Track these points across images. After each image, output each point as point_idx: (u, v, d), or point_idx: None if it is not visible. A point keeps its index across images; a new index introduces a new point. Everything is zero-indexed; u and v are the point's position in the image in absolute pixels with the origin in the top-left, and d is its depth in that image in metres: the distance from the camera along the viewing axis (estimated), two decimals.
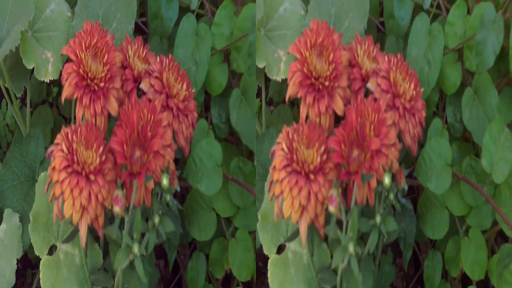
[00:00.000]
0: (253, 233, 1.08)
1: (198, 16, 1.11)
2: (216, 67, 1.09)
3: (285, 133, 0.90)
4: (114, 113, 0.99)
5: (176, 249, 1.12)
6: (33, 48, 1.06)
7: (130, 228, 0.94)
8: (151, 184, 0.96)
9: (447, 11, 1.11)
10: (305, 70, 0.92)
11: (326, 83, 0.93)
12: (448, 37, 1.09)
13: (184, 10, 1.10)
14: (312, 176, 0.89)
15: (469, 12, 1.10)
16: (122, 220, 0.96)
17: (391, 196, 0.91)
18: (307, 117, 0.94)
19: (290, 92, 0.93)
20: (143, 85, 1.00)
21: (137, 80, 1.02)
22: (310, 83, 0.93)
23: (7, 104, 1.35)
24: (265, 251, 0.95)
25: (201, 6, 1.13)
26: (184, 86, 1.01)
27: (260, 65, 0.98)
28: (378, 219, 0.90)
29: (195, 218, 1.09)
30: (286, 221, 0.97)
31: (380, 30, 1.15)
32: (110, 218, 1.00)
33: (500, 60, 1.11)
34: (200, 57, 1.08)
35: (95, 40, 0.99)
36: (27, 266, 1.29)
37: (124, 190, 0.95)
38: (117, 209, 0.93)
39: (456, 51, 1.10)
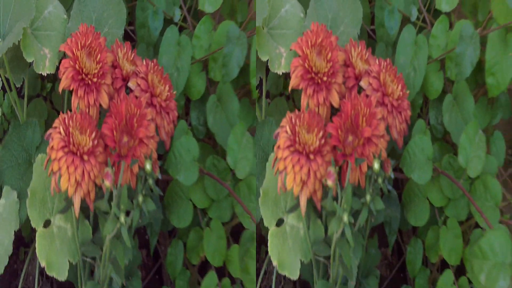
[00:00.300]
0: (226, 224, 1.29)
1: (181, 28, 1.33)
2: (195, 74, 1.30)
3: (288, 118, 1.09)
4: (105, 105, 1.18)
5: (157, 234, 1.32)
6: (32, 44, 1.23)
7: (118, 201, 1.13)
8: (136, 168, 1.16)
9: (432, 25, 1.31)
10: (306, 65, 1.12)
11: (325, 78, 1.13)
12: (432, 48, 1.30)
13: (168, 22, 1.32)
14: (312, 156, 1.08)
15: (451, 27, 1.30)
16: (111, 195, 1.15)
17: (380, 180, 1.10)
18: (307, 106, 1.12)
19: (292, 83, 1.13)
20: (131, 84, 1.21)
21: (125, 79, 1.22)
22: (310, 77, 1.13)
23: (4, 95, 1.51)
24: (266, 224, 1.13)
25: (184, 19, 1.34)
26: (167, 88, 1.22)
27: (263, 58, 1.18)
28: (368, 197, 1.09)
29: (174, 207, 1.29)
30: (285, 198, 1.15)
31: (371, 37, 1.35)
32: (99, 197, 1.19)
33: (478, 72, 1.32)
34: (181, 65, 1.28)
35: (89, 41, 1.19)
36: (20, 244, 1.43)
37: (114, 168, 1.14)
38: (107, 183, 1.12)
39: (439, 61, 1.31)
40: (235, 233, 1.28)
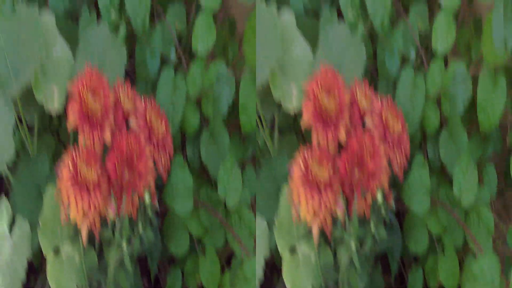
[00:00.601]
0: (220, 251, 1.53)
1: (177, 65, 1.59)
2: (190, 111, 1.55)
3: (301, 152, 1.31)
4: (108, 141, 1.42)
5: (156, 260, 1.55)
6: (41, 82, 1.46)
7: (120, 230, 1.37)
8: (136, 199, 1.40)
9: (429, 63, 1.53)
10: (316, 105, 1.33)
11: (333, 117, 1.34)
12: (429, 85, 1.52)
13: (165, 60, 1.59)
14: (322, 189, 1.29)
15: (447, 65, 1.52)
16: (114, 224, 1.39)
17: (383, 210, 1.31)
18: (317, 142, 1.34)
19: (304, 122, 1.35)
20: (131, 121, 1.46)
21: (125, 116, 1.48)
22: (320, 115, 1.34)
23: (13, 129, 1.70)
24: (280, 252, 1.35)
25: (179, 58, 1.59)
26: (163, 124, 1.47)
27: (276, 95, 1.39)
28: (372, 226, 1.30)
29: (172, 235, 1.54)
30: (298, 227, 1.36)
31: (374, 71, 1.57)
32: (104, 226, 1.42)
33: (471, 108, 1.53)
34: (176, 102, 1.54)
35: (94, 81, 1.42)
36: (30, 272, 1.62)
37: (116, 200, 1.38)
38: (111, 213, 1.36)
39: (435, 98, 1.52)
40: (230, 259, 1.51)
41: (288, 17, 1.44)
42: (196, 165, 1.55)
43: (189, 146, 1.55)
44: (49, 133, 1.63)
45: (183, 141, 1.56)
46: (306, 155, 1.32)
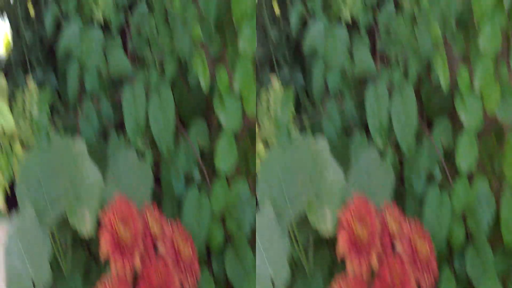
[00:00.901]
0: None
1: (200, 185, 1.79)
2: (214, 227, 1.75)
3: (337, 281, 1.44)
4: (138, 267, 1.62)
5: None
6: (74, 206, 1.66)
7: None
8: None
9: (453, 178, 1.68)
10: (350, 234, 1.48)
11: (366, 244, 1.49)
12: (454, 202, 1.66)
13: (189, 180, 1.79)
14: None
15: (471, 180, 1.66)
16: None
17: None
18: (352, 269, 1.48)
19: (339, 250, 1.50)
20: (158, 245, 1.65)
21: (154, 240, 1.68)
22: (354, 244, 1.49)
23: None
24: None
25: (203, 174, 1.79)
26: (189, 247, 1.68)
27: (311, 219, 1.59)
28: None
29: None
30: None
31: (401, 188, 1.72)
32: None
33: (496, 222, 1.67)
34: (201, 220, 1.74)
35: (123, 210, 1.63)
36: None
37: None
38: None
39: (460, 214, 1.67)
40: None
41: (322, 144, 1.65)
42: (222, 278, 1.73)
43: (214, 261, 1.73)
44: (81, 250, 1.80)
45: (208, 253, 1.73)
46: (341, 285, 1.45)
